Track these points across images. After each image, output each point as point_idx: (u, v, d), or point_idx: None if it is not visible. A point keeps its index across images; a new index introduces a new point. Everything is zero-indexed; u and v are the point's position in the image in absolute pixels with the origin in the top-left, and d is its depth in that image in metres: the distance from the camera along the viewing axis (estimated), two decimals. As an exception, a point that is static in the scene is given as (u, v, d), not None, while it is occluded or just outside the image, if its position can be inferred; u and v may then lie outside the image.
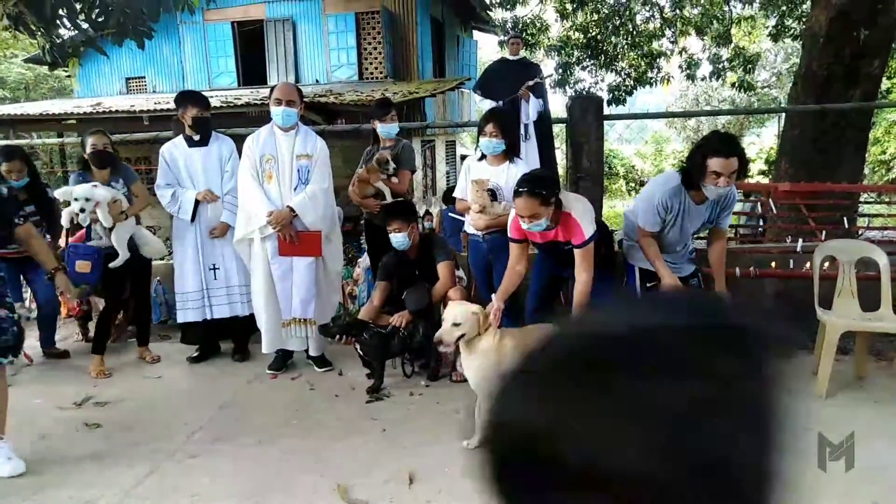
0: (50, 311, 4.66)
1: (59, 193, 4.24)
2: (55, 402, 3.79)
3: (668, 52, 14.46)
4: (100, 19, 4.73)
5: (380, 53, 11.92)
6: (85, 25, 5.00)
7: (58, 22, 4.74)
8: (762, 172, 19.36)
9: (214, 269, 4.33)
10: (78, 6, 4.75)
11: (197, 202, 4.23)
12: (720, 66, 13.98)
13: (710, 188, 3.14)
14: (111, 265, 4.13)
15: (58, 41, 5.12)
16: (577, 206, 3.22)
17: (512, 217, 3.35)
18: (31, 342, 4.65)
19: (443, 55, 13.85)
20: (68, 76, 14.35)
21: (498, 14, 14.71)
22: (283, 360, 4.26)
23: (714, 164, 3.06)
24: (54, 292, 4.70)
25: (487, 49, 24.00)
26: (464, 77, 13.05)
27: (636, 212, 3.46)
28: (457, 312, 3.04)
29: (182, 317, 4.41)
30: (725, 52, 13.87)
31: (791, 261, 4.54)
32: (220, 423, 3.50)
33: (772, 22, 13.09)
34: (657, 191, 3.35)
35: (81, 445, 3.26)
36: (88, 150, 4.22)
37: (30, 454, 3.12)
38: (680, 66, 14.40)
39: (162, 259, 4.75)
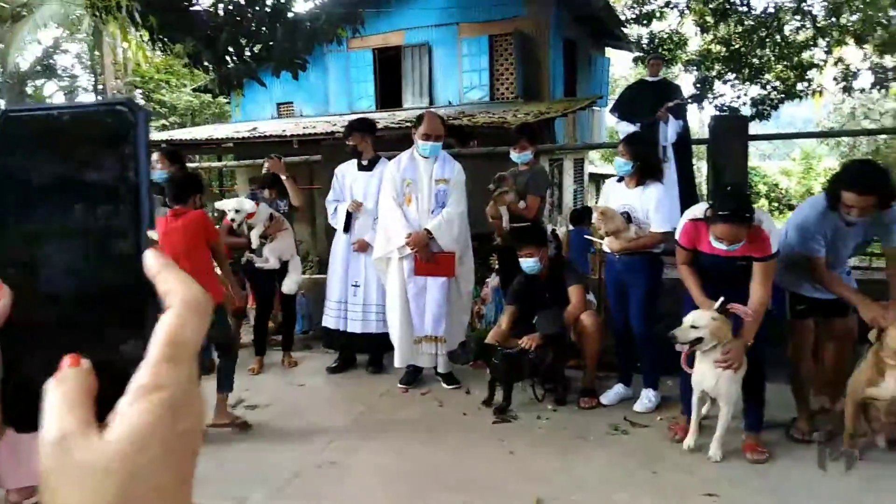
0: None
1: (219, 205, 4.84)
2: (211, 404, 4.19)
3: (821, 63, 13.43)
4: (262, 54, 5.23)
5: (511, 74, 12.07)
6: (249, 60, 5.54)
7: (227, 58, 5.28)
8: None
9: (356, 285, 4.62)
10: (244, 42, 5.29)
11: (349, 215, 4.58)
12: (883, 77, 12.76)
13: (848, 216, 3.02)
14: (257, 264, 4.63)
15: (224, 74, 5.72)
16: (766, 220, 3.14)
17: (682, 224, 3.29)
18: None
19: (574, 74, 13.76)
20: (227, 103, 15.80)
21: (633, 30, 14.41)
22: (413, 375, 4.43)
23: (847, 197, 2.94)
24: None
25: (620, 66, 23.52)
26: (595, 96, 12.88)
27: (794, 242, 3.27)
28: (697, 316, 3.09)
29: (325, 321, 4.81)
30: (890, 61, 12.65)
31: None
32: (357, 432, 3.71)
33: (949, 25, 11.74)
34: (809, 218, 3.21)
35: (235, 445, 3.58)
36: (263, 170, 4.96)
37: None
38: (834, 78, 13.31)
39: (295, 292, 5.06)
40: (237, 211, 4.56)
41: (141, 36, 5.00)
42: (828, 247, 3.16)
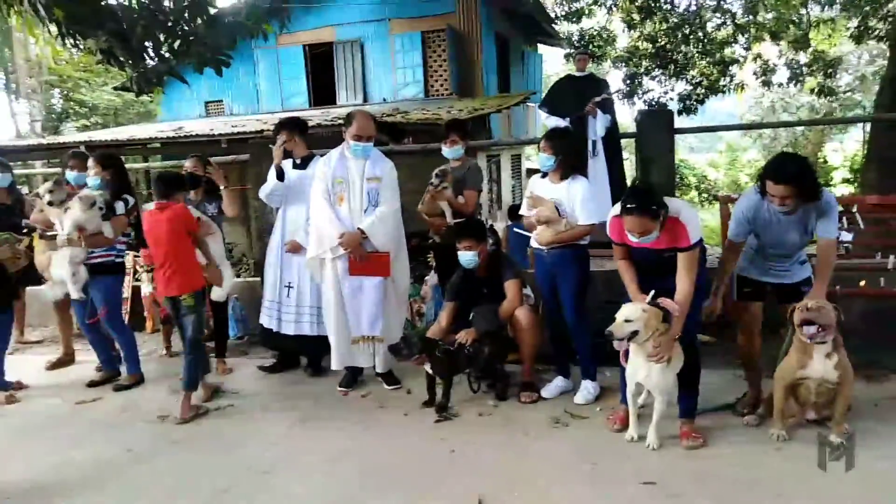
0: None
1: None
2: (141, 416, 3.98)
3: (742, 59, 14.00)
4: (182, 50, 4.98)
5: (445, 71, 12.06)
6: (168, 56, 5.27)
7: (143, 54, 5.00)
8: (846, 181, 18.37)
9: (289, 287, 4.50)
10: (161, 37, 5.02)
11: (279, 173, 4.44)
12: (798, 72, 13.41)
13: (772, 204, 3.17)
14: None
15: (142, 71, 5.42)
16: (685, 210, 3.18)
17: (609, 220, 3.32)
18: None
19: (507, 70, 13.87)
20: (151, 101, 15.18)
21: (563, 27, 14.63)
22: (352, 377, 4.33)
23: (767, 185, 3.11)
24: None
25: (553, 62, 23.90)
26: (528, 91, 13.02)
27: (731, 226, 3.48)
28: (629, 310, 3.14)
29: (261, 319, 4.69)
30: (803, 57, 13.29)
31: (882, 279, 4.29)
32: (294, 438, 3.59)
33: (854, 23, 12.44)
34: (740, 204, 3.38)
35: (166, 456, 3.41)
36: (183, 171, 4.77)
37: (118, 465, 3.30)
38: (754, 73, 13.89)
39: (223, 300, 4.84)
40: None
41: (49, 31, 4.67)
42: (769, 234, 3.29)
